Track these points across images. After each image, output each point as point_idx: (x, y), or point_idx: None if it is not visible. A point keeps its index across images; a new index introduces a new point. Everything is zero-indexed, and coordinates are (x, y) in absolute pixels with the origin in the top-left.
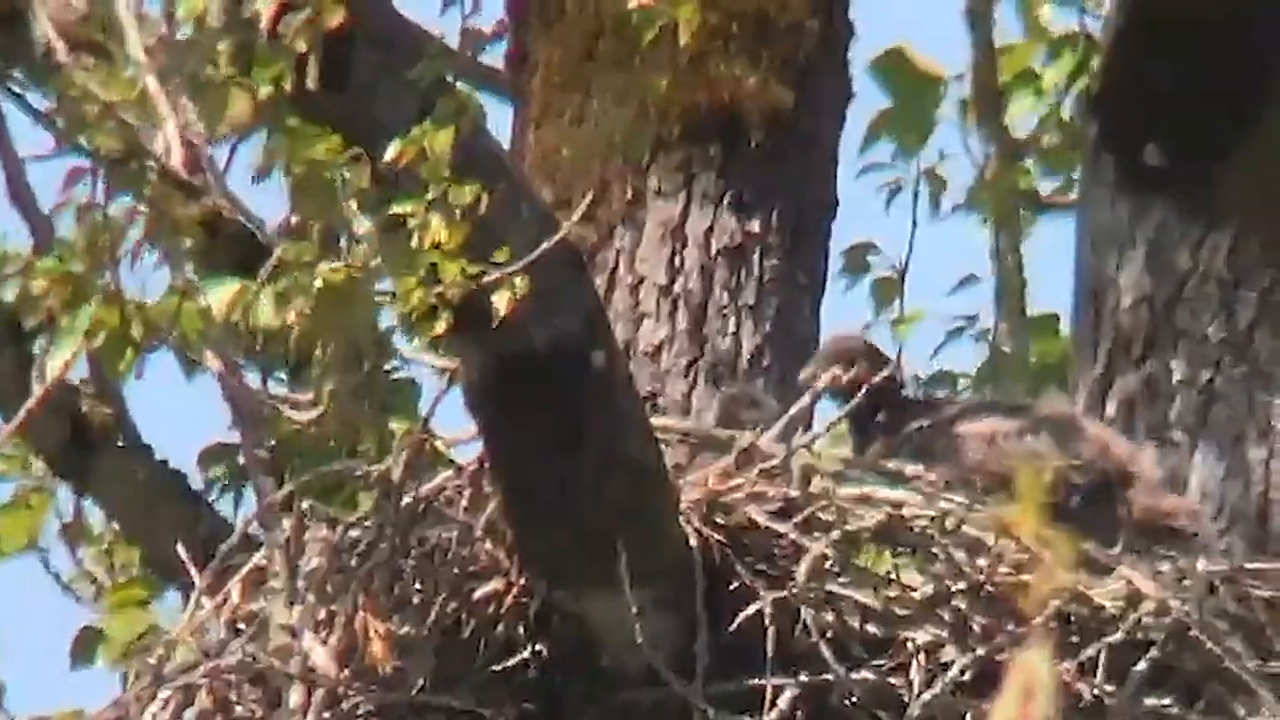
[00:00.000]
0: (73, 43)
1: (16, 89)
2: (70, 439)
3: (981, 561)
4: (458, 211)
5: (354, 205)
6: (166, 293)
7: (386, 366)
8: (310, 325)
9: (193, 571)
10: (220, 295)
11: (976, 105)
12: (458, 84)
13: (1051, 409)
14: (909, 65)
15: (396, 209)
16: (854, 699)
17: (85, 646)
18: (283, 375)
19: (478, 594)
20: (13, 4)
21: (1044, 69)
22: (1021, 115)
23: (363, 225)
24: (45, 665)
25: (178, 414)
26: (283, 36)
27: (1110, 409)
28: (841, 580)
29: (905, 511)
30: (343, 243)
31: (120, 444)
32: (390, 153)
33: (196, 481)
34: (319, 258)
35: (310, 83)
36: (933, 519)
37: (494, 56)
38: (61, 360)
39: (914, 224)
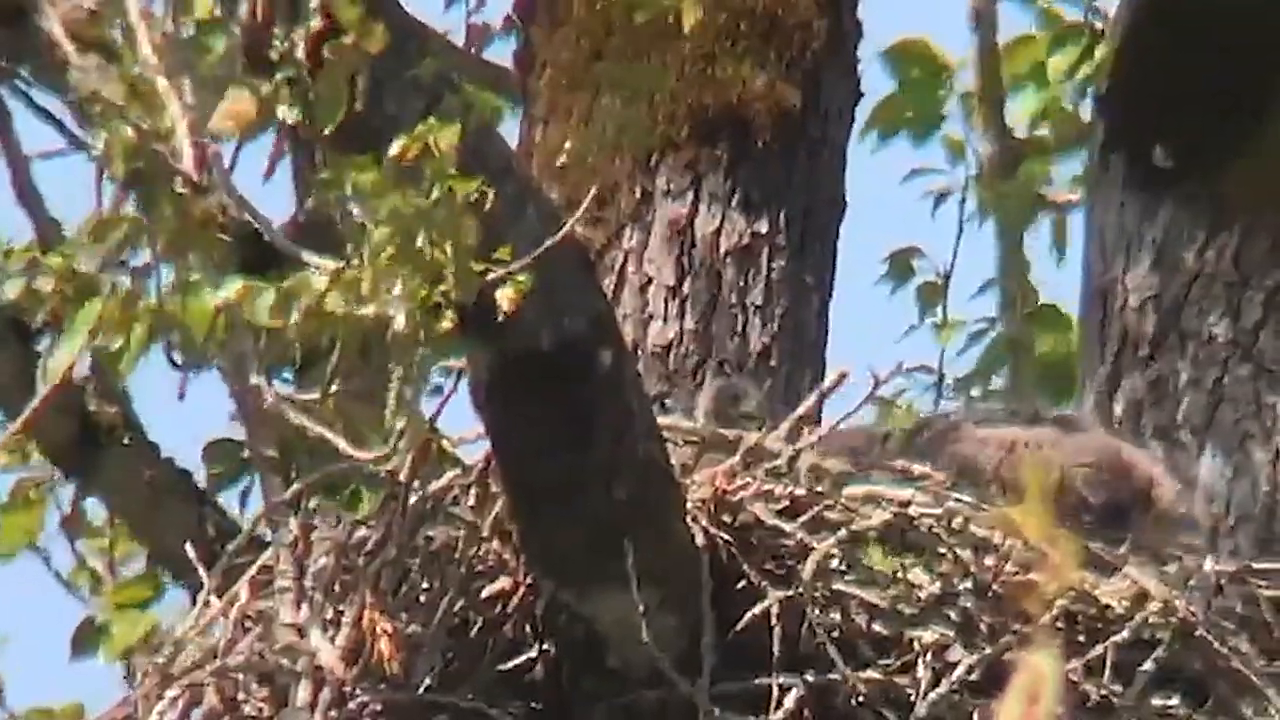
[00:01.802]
0: (81, 42)
1: (22, 86)
2: (76, 437)
3: (988, 561)
4: (464, 209)
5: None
6: (174, 292)
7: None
8: (315, 326)
9: (200, 570)
10: (226, 295)
11: (980, 106)
12: (466, 84)
13: (1074, 425)
14: (923, 54)
15: (402, 206)
16: (861, 698)
17: (86, 638)
18: (287, 375)
19: (485, 593)
20: (18, 1)
21: (1048, 60)
22: (1026, 113)
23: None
24: (45, 662)
25: (182, 412)
26: (326, 64)
27: (1117, 409)
28: (848, 579)
29: (912, 510)
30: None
31: (126, 442)
32: (394, 149)
33: (202, 480)
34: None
35: (358, 106)
36: (939, 518)
37: (503, 57)
38: (66, 359)
39: (960, 229)
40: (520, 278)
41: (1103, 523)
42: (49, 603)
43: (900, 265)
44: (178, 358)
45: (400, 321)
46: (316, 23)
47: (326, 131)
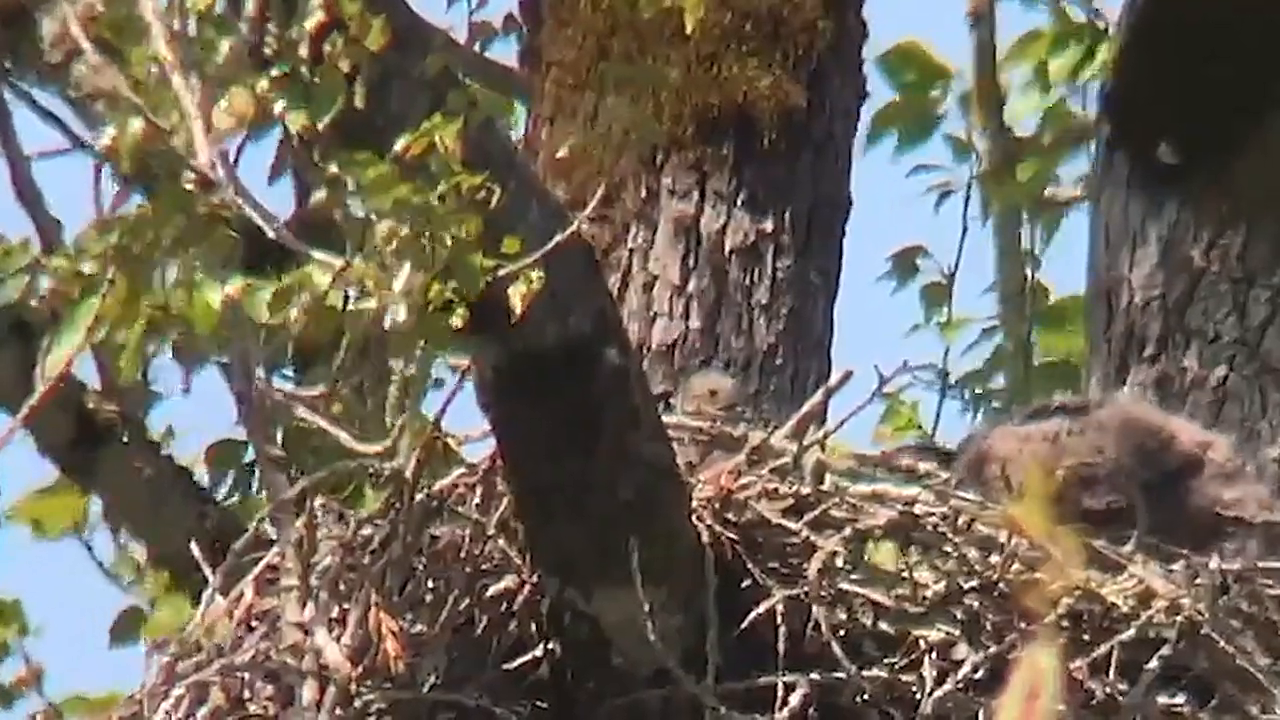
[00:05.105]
0: (94, 39)
1: (23, 85)
2: (76, 435)
3: (994, 559)
4: (469, 204)
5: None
6: (179, 288)
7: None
8: (317, 322)
9: (205, 569)
10: (230, 291)
11: (979, 104)
12: (470, 82)
13: (1112, 407)
14: (918, 57)
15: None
16: (866, 697)
17: (126, 627)
18: (288, 372)
19: (490, 592)
20: (21, 1)
21: (1049, 59)
22: (1027, 113)
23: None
24: (84, 650)
25: (182, 410)
26: (327, 58)
27: None
28: (853, 578)
29: (917, 509)
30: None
31: (125, 440)
32: (399, 145)
33: (203, 478)
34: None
35: (358, 103)
36: (945, 517)
37: (508, 56)
38: (64, 356)
39: (964, 227)
40: (533, 274)
41: (1156, 495)
42: (90, 592)
43: (904, 264)
44: (181, 354)
45: (401, 314)
46: (318, 17)
47: (321, 126)
